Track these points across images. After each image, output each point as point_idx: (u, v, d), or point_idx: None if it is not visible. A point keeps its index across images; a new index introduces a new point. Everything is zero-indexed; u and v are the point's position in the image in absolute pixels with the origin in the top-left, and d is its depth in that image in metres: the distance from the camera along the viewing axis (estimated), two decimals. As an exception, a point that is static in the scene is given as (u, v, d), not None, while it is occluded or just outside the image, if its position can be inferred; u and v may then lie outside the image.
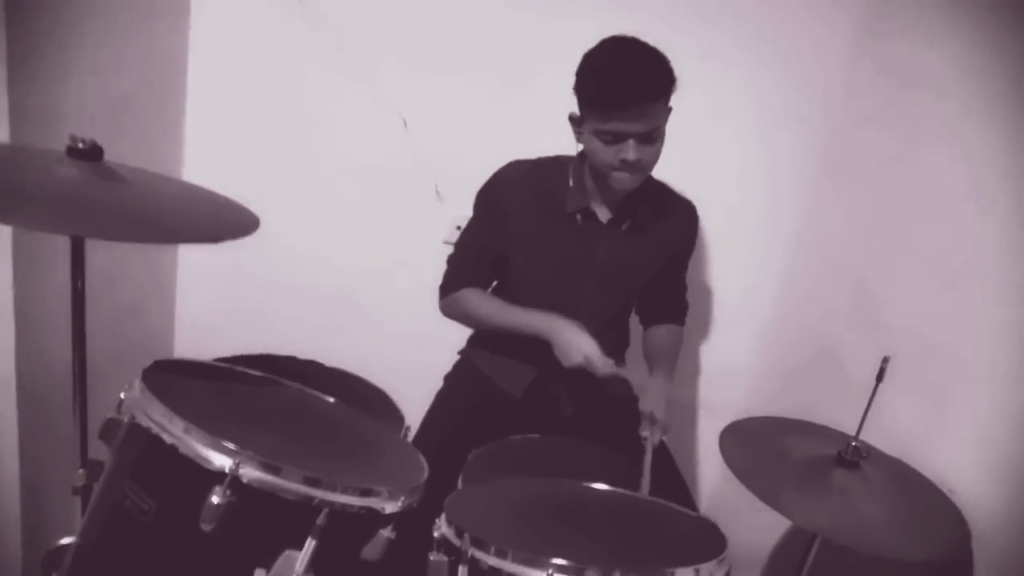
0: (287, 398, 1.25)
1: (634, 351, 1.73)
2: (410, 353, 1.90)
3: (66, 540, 1.05)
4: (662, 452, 1.58)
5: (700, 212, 1.66)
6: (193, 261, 2.00)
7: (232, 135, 1.90)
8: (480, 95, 1.86)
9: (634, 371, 1.52)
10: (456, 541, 1.03)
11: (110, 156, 1.09)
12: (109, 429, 1.05)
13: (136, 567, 1.01)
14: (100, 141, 1.07)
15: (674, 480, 1.56)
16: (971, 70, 1.45)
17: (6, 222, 1.06)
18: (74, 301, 1.12)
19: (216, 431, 0.97)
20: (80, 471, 1.15)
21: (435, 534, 1.07)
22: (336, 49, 1.85)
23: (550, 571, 0.96)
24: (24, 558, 1.47)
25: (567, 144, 1.51)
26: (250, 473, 0.95)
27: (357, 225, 1.96)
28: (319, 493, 0.97)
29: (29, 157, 1.09)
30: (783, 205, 1.92)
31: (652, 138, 1.38)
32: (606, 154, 1.39)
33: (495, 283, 1.66)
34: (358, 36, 1.84)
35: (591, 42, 1.39)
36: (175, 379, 1.11)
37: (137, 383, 1.05)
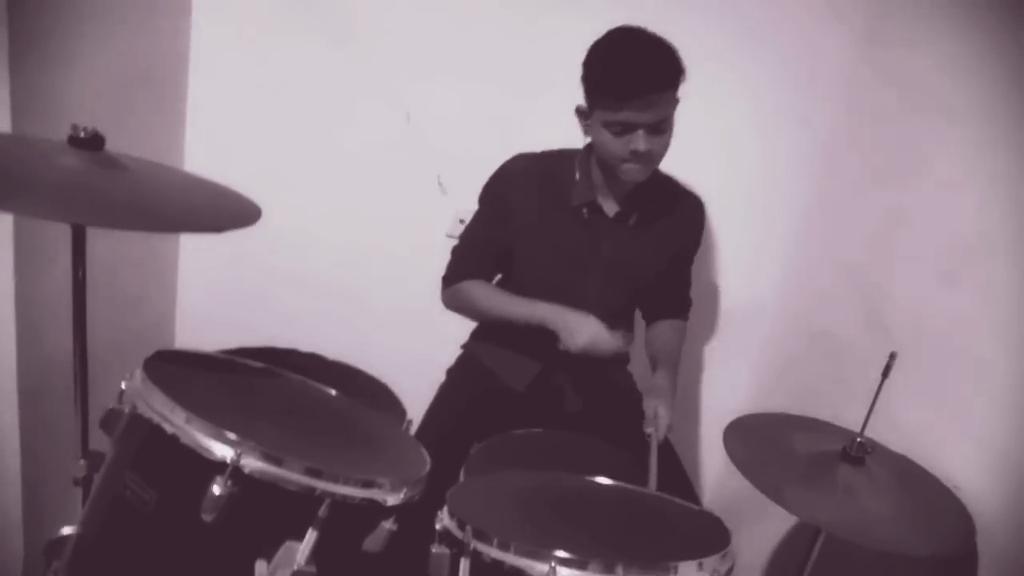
0: (289, 390, 1.25)
1: (638, 347, 1.72)
2: (412, 346, 1.89)
3: (67, 530, 1.04)
4: (666, 447, 1.57)
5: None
6: (194, 252, 2.00)
7: (234, 126, 1.90)
8: (484, 88, 1.85)
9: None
10: (458, 533, 1.03)
11: (111, 146, 1.08)
12: (110, 419, 1.04)
13: (137, 557, 1.00)
14: (101, 131, 1.06)
15: (678, 475, 1.55)
16: (970, 70, 1.44)
17: (7, 210, 1.05)
18: (75, 291, 1.12)
19: (218, 421, 0.96)
20: (81, 462, 1.14)
21: (437, 526, 1.07)
22: (339, 40, 1.84)
23: (552, 564, 0.95)
24: (25, 549, 1.47)
25: (572, 137, 1.51)
26: (252, 463, 0.94)
27: (359, 218, 1.96)
28: (321, 484, 0.97)
29: (31, 146, 1.09)
30: (785, 202, 1.91)
31: (662, 128, 1.37)
32: (615, 145, 1.38)
33: (499, 276, 1.65)
34: (361, 27, 1.84)
35: (592, 38, 1.39)
36: (176, 369, 1.10)
37: (138, 373, 1.04)
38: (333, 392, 1.27)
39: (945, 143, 1.49)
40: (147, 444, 1.01)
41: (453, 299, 1.60)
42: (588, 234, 1.53)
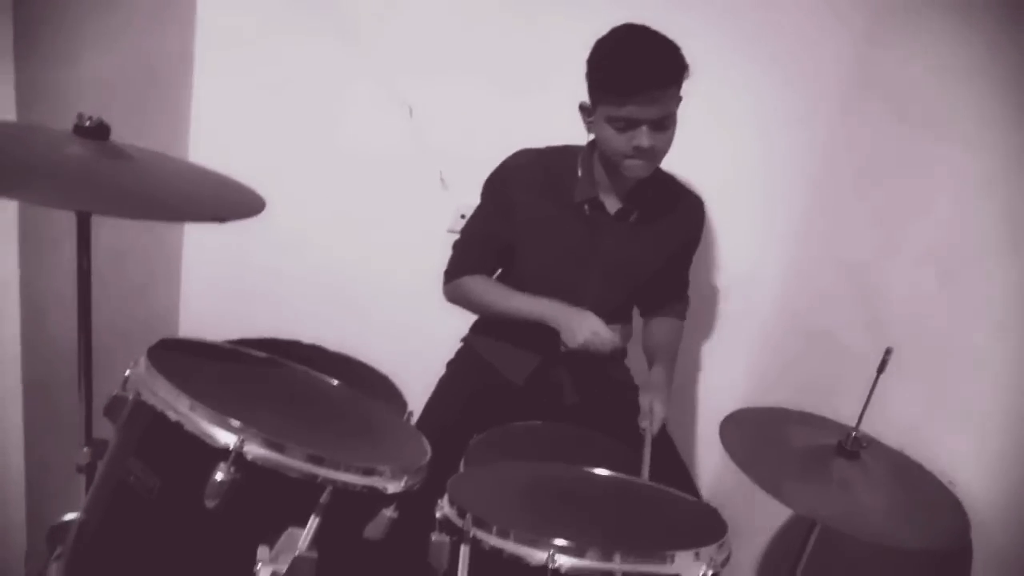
0: (292, 379, 1.25)
1: (635, 343, 1.73)
2: (413, 340, 1.90)
3: (70, 516, 1.05)
4: (664, 439, 1.59)
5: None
6: (198, 245, 2.01)
7: (238, 122, 1.90)
8: (486, 84, 1.86)
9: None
10: (458, 521, 1.04)
11: (116, 138, 1.09)
12: (114, 406, 1.05)
13: (140, 543, 1.01)
14: (106, 123, 1.07)
15: (676, 467, 1.57)
16: (968, 70, 1.45)
17: (13, 197, 1.06)
18: (80, 280, 1.13)
19: (221, 409, 0.97)
20: (85, 449, 1.15)
21: (437, 514, 1.08)
22: (342, 37, 1.85)
23: (551, 551, 0.96)
24: (28, 535, 1.48)
25: (575, 133, 1.52)
26: (255, 450, 0.95)
27: (361, 212, 1.97)
28: (323, 471, 0.98)
29: (36, 135, 1.09)
30: (784, 201, 1.92)
31: (665, 124, 1.38)
32: (619, 141, 1.39)
33: (499, 271, 1.66)
34: (364, 24, 1.84)
35: (593, 36, 1.39)
36: (180, 358, 1.11)
37: (143, 360, 1.05)
38: (335, 382, 1.28)
39: (943, 143, 1.50)
40: (151, 431, 1.02)
41: (454, 293, 1.61)
42: (589, 230, 1.54)
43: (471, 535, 1.02)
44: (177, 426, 0.97)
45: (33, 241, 1.37)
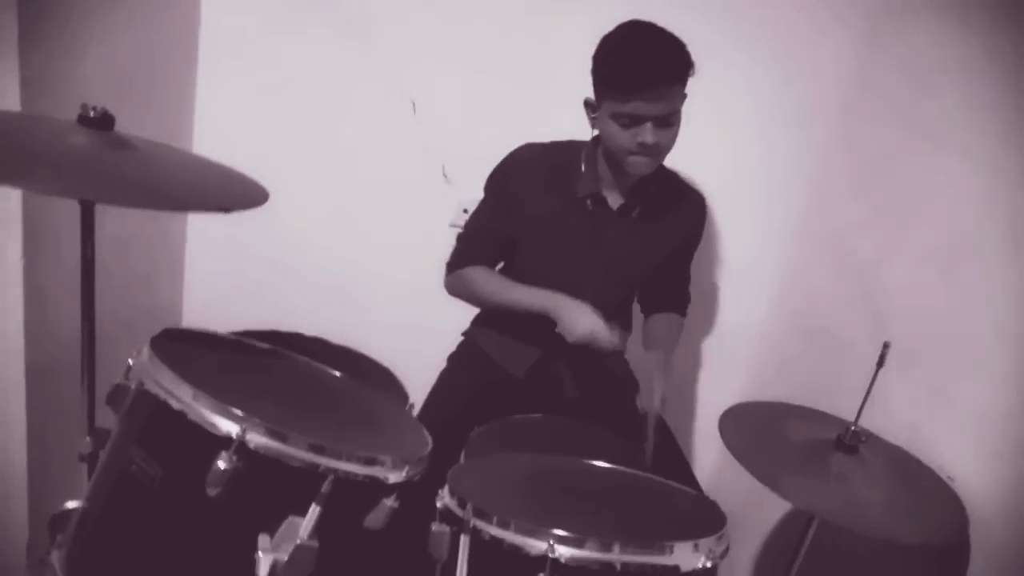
0: (294, 370, 1.26)
1: (635, 340, 1.74)
2: (414, 333, 1.91)
3: (72, 504, 1.06)
4: (664, 433, 1.59)
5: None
6: (202, 237, 2.01)
7: (242, 116, 1.91)
8: (490, 79, 1.86)
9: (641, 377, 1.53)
10: (459, 512, 1.04)
11: (121, 129, 1.09)
12: (116, 395, 1.05)
13: (142, 531, 1.02)
14: (111, 113, 1.07)
15: (676, 460, 1.57)
16: (969, 68, 1.45)
17: (17, 185, 1.06)
18: (83, 269, 1.13)
19: (224, 398, 0.97)
20: (87, 438, 1.16)
21: (438, 505, 1.08)
22: (346, 31, 1.85)
23: (551, 541, 0.97)
24: (30, 523, 1.49)
25: (579, 128, 1.52)
26: (257, 439, 0.96)
27: (364, 206, 1.97)
28: (324, 460, 0.98)
29: (41, 125, 1.10)
30: (783, 197, 1.92)
31: (670, 121, 1.38)
32: (623, 138, 1.39)
33: (501, 265, 1.66)
34: (368, 19, 1.85)
35: (595, 31, 1.40)
36: (183, 347, 1.12)
37: (145, 350, 1.05)
38: (337, 373, 1.29)
39: (944, 141, 1.50)
40: (153, 420, 1.02)
41: (455, 285, 1.62)
42: (591, 226, 1.55)
43: (471, 525, 1.02)
44: (179, 415, 0.98)
45: (36, 231, 1.37)
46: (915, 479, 1.31)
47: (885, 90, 1.71)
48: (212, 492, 0.94)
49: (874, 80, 1.75)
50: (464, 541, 1.02)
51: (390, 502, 1.05)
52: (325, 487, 0.98)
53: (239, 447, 0.95)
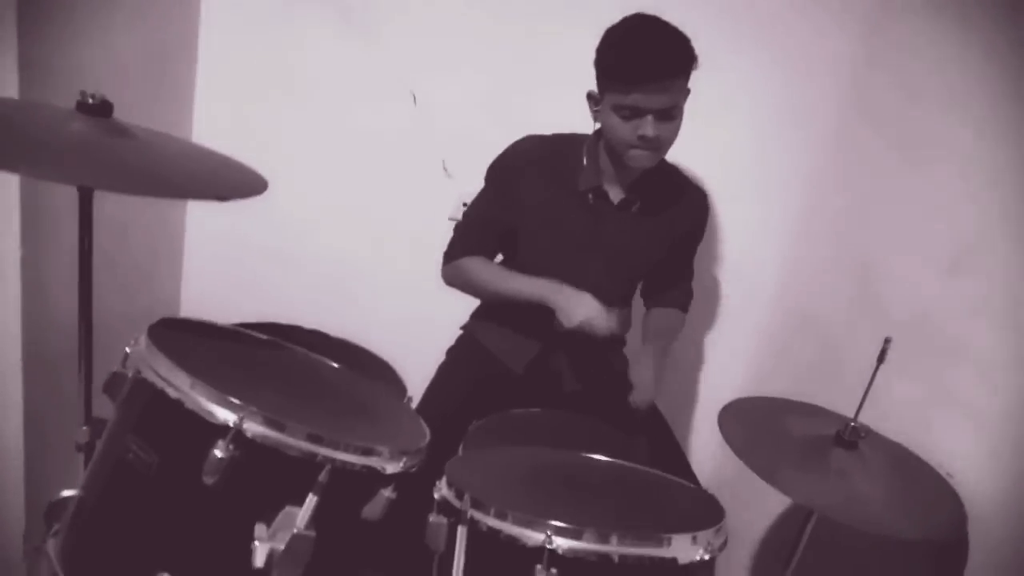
0: (292, 361, 1.26)
1: (635, 334, 1.73)
2: (413, 327, 1.90)
3: (68, 492, 1.06)
4: (660, 425, 1.59)
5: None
6: (200, 230, 2.01)
7: (241, 107, 1.91)
8: (490, 72, 1.86)
9: (634, 371, 1.53)
10: (456, 503, 1.04)
11: (120, 117, 1.09)
12: (113, 383, 1.05)
13: (138, 519, 1.01)
14: (109, 100, 1.07)
15: (674, 454, 1.57)
16: (972, 64, 1.45)
17: (15, 171, 1.06)
18: (81, 258, 1.13)
19: (221, 387, 0.97)
20: (84, 428, 1.15)
21: (435, 496, 1.08)
22: (347, 23, 1.85)
23: (548, 533, 0.96)
24: (27, 513, 1.49)
25: (580, 122, 1.52)
26: (254, 428, 0.96)
27: (364, 199, 1.97)
28: (322, 450, 0.98)
29: (39, 111, 1.09)
30: (784, 192, 1.92)
31: (671, 115, 1.38)
32: (624, 130, 1.39)
33: (500, 258, 1.66)
34: (369, 11, 1.84)
35: (596, 26, 1.39)
36: (181, 336, 1.11)
37: (143, 338, 1.05)
38: (335, 365, 1.28)
39: (945, 137, 1.50)
40: (150, 408, 1.02)
41: (452, 274, 1.61)
42: (591, 219, 1.54)
43: (469, 516, 1.02)
44: (177, 403, 0.97)
45: (34, 220, 1.37)
46: (914, 475, 1.31)
47: (885, 87, 1.71)
48: (209, 481, 0.94)
49: (874, 78, 1.74)
50: (461, 532, 1.02)
51: (387, 493, 1.05)
52: (322, 477, 0.98)
53: (236, 436, 0.95)
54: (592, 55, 1.40)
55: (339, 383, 1.25)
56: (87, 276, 1.14)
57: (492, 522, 1.01)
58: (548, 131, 1.57)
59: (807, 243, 1.90)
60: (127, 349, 1.06)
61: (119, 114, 1.08)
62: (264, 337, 1.25)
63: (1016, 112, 1.33)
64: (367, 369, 1.45)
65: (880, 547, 1.41)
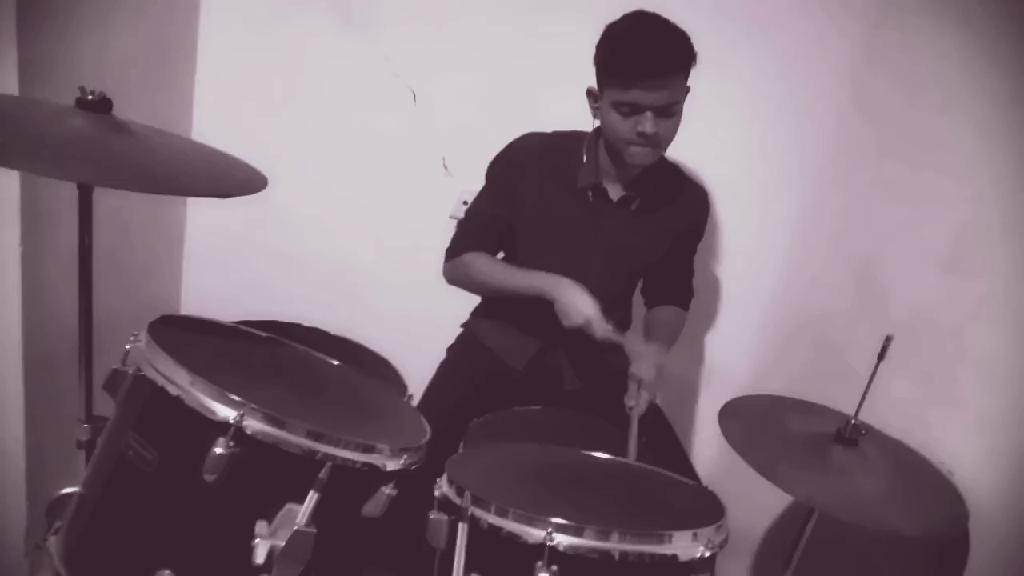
0: (292, 358, 1.26)
1: (636, 331, 1.73)
2: (414, 325, 1.90)
3: (69, 489, 1.06)
4: (661, 423, 1.59)
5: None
6: (202, 229, 2.01)
7: (241, 104, 1.91)
8: (492, 69, 1.86)
9: (631, 339, 1.51)
10: (457, 500, 1.04)
11: (120, 115, 1.09)
12: (114, 380, 1.05)
13: (139, 516, 1.01)
14: (108, 96, 1.07)
15: (675, 452, 1.57)
16: (975, 59, 1.45)
17: (14, 167, 1.06)
18: (81, 255, 1.13)
19: (222, 384, 0.97)
20: (84, 425, 1.16)
21: (436, 493, 1.08)
22: (346, 21, 1.84)
23: (549, 529, 0.96)
24: (28, 510, 1.49)
25: (579, 120, 1.52)
26: (254, 425, 0.96)
27: (364, 197, 1.97)
28: (322, 447, 0.98)
29: (39, 108, 1.09)
30: (785, 190, 1.92)
31: (670, 112, 1.38)
32: (623, 127, 1.39)
33: (502, 255, 1.66)
34: (369, 8, 1.84)
35: (598, 24, 1.39)
36: (181, 333, 1.11)
37: (143, 335, 1.05)
38: (335, 362, 1.28)
39: (947, 134, 1.50)
40: (150, 405, 1.02)
41: (453, 271, 1.61)
42: (590, 217, 1.54)
43: (469, 513, 1.02)
44: (177, 400, 0.97)
45: (35, 219, 1.37)
46: (915, 473, 1.31)
47: (886, 86, 1.71)
48: (209, 478, 0.94)
49: (875, 76, 1.74)
50: (462, 529, 1.01)
51: (388, 490, 1.05)
52: (323, 474, 0.98)
53: (236, 433, 0.95)
54: (592, 53, 1.40)
55: (339, 380, 1.25)
56: (87, 273, 1.14)
57: (493, 519, 1.00)
58: (548, 129, 1.57)
59: (808, 241, 1.90)
60: (127, 346, 1.06)
61: (119, 111, 1.08)
62: (264, 335, 1.25)
63: (1016, 112, 1.33)
64: (367, 367, 1.45)
65: (881, 544, 1.41)
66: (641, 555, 0.98)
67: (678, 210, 1.60)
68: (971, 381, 1.36)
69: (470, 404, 1.50)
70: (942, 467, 1.32)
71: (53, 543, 1.05)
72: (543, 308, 1.47)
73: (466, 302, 1.71)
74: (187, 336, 1.12)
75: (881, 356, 1.25)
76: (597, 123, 1.48)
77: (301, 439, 0.97)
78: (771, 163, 1.91)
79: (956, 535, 1.27)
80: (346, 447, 1.00)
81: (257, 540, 0.95)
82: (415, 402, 1.38)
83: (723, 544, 1.05)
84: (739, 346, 2.00)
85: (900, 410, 1.41)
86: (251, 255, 2.00)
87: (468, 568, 1.00)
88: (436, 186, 1.93)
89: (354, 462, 1.00)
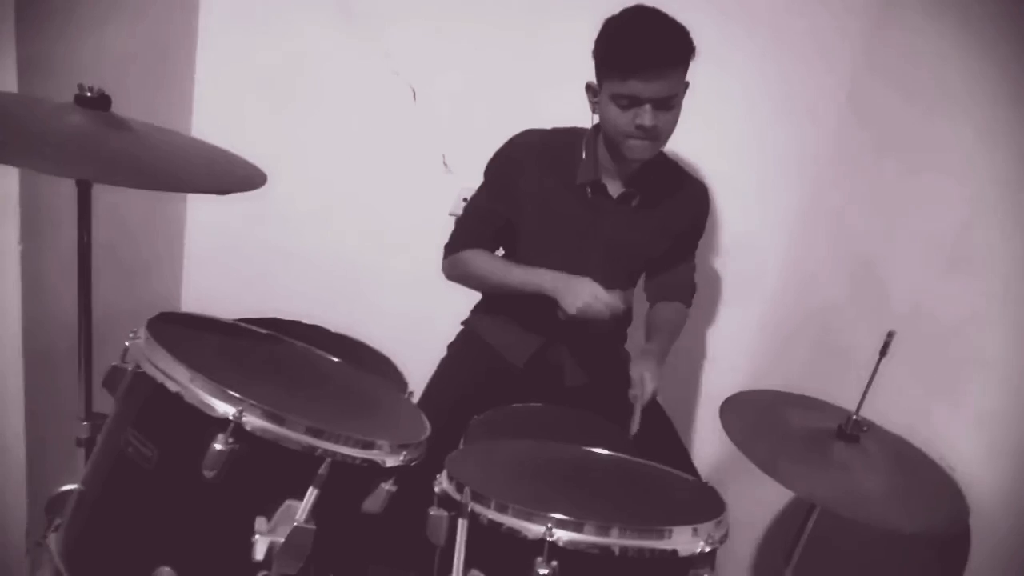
0: (292, 355, 1.26)
1: (637, 328, 1.73)
2: (414, 323, 1.91)
3: (69, 487, 1.06)
4: (662, 420, 1.59)
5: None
6: (202, 227, 2.01)
7: (241, 102, 1.91)
8: (492, 66, 1.86)
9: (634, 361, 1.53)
10: (456, 496, 1.04)
11: (119, 112, 1.09)
12: (113, 377, 1.05)
13: (138, 513, 1.01)
14: (107, 93, 1.07)
15: (674, 447, 1.57)
16: (978, 52, 1.45)
17: (14, 164, 1.06)
18: (80, 252, 1.13)
19: (221, 380, 0.97)
20: (84, 423, 1.16)
21: (436, 489, 1.08)
22: (347, 17, 1.84)
23: (549, 525, 0.96)
24: (29, 509, 1.49)
25: (579, 117, 1.52)
26: (254, 421, 0.95)
27: (364, 195, 1.97)
28: (322, 444, 0.98)
29: (38, 106, 1.09)
30: (788, 183, 1.92)
31: (669, 105, 1.38)
32: (622, 120, 1.38)
33: (501, 252, 1.66)
34: (369, 5, 1.84)
35: (597, 22, 1.39)
36: (181, 330, 1.11)
37: (142, 332, 1.05)
38: (335, 359, 1.28)
39: (949, 130, 1.49)
40: (150, 402, 1.02)
41: (453, 268, 1.61)
42: (590, 213, 1.54)
43: (469, 509, 1.01)
44: (176, 397, 0.97)
45: (34, 217, 1.37)
46: (916, 469, 1.30)
47: (887, 82, 1.71)
48: (209, 474, 0.94)
49: (880, 67, 1.74)
50: (462, 525, 1.01)
51: (388, 486, 1.04)
52: (322, 470, 0.98)
53: (236, 429, 0.95)
54: (592, 51, 1.40)
55: (339, 377, 1.25)
56: (87, 271, 1.14)
57: (492, 515, 1.00)
58: (548, 126, 1.57)
59: (809, 237, 1.89)
60: (126, 343, 1.06)
61: (118, 108, 1.08)
62: (264, 331, 1.25)
63: (1016, 112, 1.33)
64: (368, 364, 1.45)
65: (882, 541, 1.41)
66: (641, 550, 0.98)
67: (678, 206, 1.60)
68: (973, 377, 1.35)
69: (470, 401, 1.50)
70: (943, 463, 1.32)
71: (53, 540, 1.04)
72: (544, 305, 1.47)
73: (467, 299, 1.71)
74: (186, 333, 1.12)
75: (883, 352, 1.25)
76: (596, 119, 1.48)
77: (301, 435, 0.97)
78: (772, 159, 1.91)
79: (957, 532, 1.26)
80: (346, 443, 1.00)
81: (257, 536, 0.95)
82: (415, 399, 1.38)
83: (723, 539, 1.05)
84: (740, 341, 2.00)
85: (901, 406, 1.41)
86: (251, 252, 2.00)
87: (468, 564, 1.00)
88: (436, 183, 1.93)
89: (354, 458, 1.00)
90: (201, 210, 2.00)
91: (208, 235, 2.02)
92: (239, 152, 1.21)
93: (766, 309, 1.98)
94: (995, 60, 1.38)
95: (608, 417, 1.51)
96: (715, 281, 2.00)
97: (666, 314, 1.67)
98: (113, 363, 1.05)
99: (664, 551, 0.98)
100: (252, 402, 0.96)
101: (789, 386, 1.48)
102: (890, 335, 1.25)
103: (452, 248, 1.60)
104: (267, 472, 0.99)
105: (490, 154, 1.57)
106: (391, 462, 1.04)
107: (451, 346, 1.73)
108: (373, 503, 1.04)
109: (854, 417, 1.27)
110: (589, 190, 1.53)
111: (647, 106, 1.36)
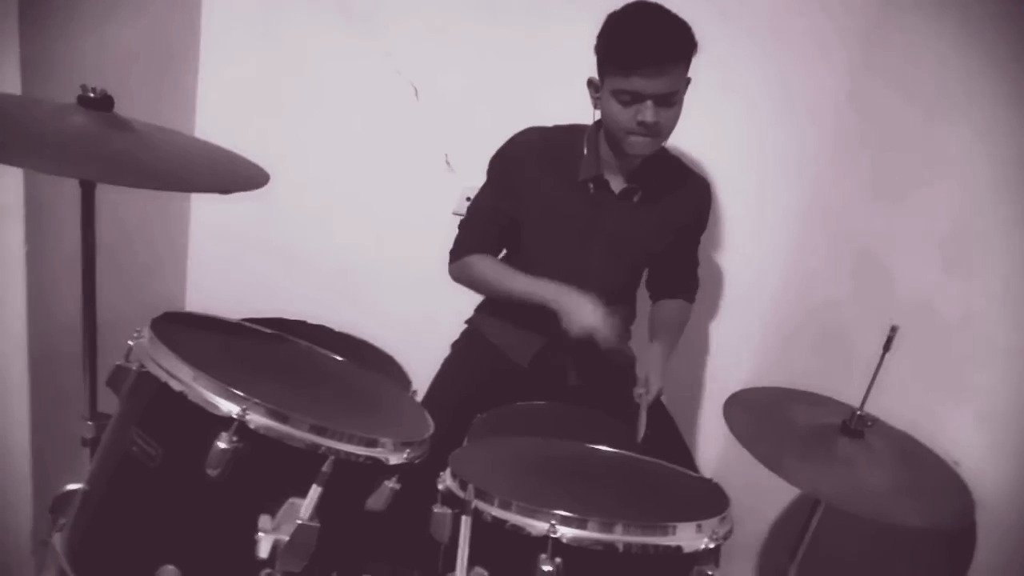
0: (296, 354, 1.26)
1: (641, 325, 1.73)
2: (418, 322, 1.91)
3: (73, 486, 1.06)
4: (664, 418, 1.59)
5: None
6: (205, 227, 2.01)
7: (244, 102, 1.91)
8: (494, 65, 1.86)
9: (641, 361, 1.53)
10: (460, 493, 1.04)
11: (122, 112, 1.09)
12: (117, 376, 1.06)
13: (142, 512, 1.02)
14: (110, 93, 1.07)
15: (677, 445, 1.57)
16: (977, 49, 1.44)
17: (17, 165, 1.06)
18: (84, 253, 1.13)
19: (225, 379, 0.97)
20: (89, 423, 1.16)
21: (439, 487, 1.08)
22: (349, 16, 1.85)
23: (552, 522, 0.96)
24: (34, 508, 1.49)
25: (581, 117, 1.52)
26: (257, 420, 0.96)
27: (367, 194, 1.97)
28: (325, 441, 0.98)
29: (40, 106, 1.10)
30: (789, 181, 1.92)
31: (671, 101, 1.38)
32: (624, 116, 1.38)
33: (505, 251, 1.66)
34: (371, 4, 1.84)
35: (599, 21, 1.39)
36: (184, 329, 1.12)
37: (146, 331, 1.05)
38: (339, 358, 1.28)
39: (951, 125, 1.49)
40: (154, 401, 1.02)
41: (460, 272, 1.61)
42: (592, 209, 1.54)
43: (473, 507, 1.02)
44: (180, 396, 0.98)
45: (38, 218, 1.37)
46: (921, 464, 1.30)
47: (886, 82, 1.70)
48: (213, 473, 0.95)
49: (881, 63, 1.73)
50: (466, 522, 1.01)
51: (391, 484, 1.05)
52: (326, 468, 0.98)
53: (239, 428, 0.95)
54: (593, 46, 1.40)
55: (343, 375, 1.25)
56: (90, 271, 1.14)
57: (496, 512, 1.00)
58: (552, 122, 1.57)
59: (812, 232, 1.89)
60: (130, 343, 1.06)
61: (121, 109, 1.09)
62: (267, 331, 1.26)
63: (1016, 112, 1.32)
64: (372, 363, 1.45)
65: (887, 536, 1.41)
66: (645, 547, 0.98)
67: (680, 201, 1.60)
68: (977, 370, 1.35)
69: (474, 400, 1.50)
70: (948, 458, 1.31)
71: (58, 539, 1.05)
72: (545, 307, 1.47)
73: (470, 298, 1.71)
74: (190, 332, 1.13)
75: (887, 347, 1.25)
76: (598, 116, 1.48)
77: (304, 433, 0.97)
78: (774, 155, 1.91)
79: (962, 527, 1.26)
80: (349, 441, 1.00)
81: (260, 534, 0.95)
82: (419, 398, 1.38)
83: (727, 536, 1.05)
84: (744, 337, 2.00)
85: (906, 402, 1.40)
86: (255, 253, 2.01)
87: (472, 561, 1.00)
88: (439, 183, 1.93)
89: (357, 456, 1.00)
90: (204, 211, 2.00)
91: (212, 236, 2.02)
92: (242, 152, 1.22)
93: (768, 307, 1.98)
94: (995, 60, 1.38)
95: (611, 415, 1.51)
96: (718, 279, 2.00)
97: (670, 311, 1.67)
98: (117, 362, 1.05)
99: (668, 547, 0.98)
100: (256, 400, 0.96)
101: (793, 383, 1.48)
102: (893, 329, 1.24)
103: (458, 252, 1.60)
104: (271, 470, 0.99)
105: (492, 153, 1.57)
106: (395, 460, 1.04)
107: (455, 345, 1.74)
108: (377, 501, 1.04)
109: (858, 413, 1.27)
110: (591, 186, 1.53)
111: (649, 102, 1.36)
